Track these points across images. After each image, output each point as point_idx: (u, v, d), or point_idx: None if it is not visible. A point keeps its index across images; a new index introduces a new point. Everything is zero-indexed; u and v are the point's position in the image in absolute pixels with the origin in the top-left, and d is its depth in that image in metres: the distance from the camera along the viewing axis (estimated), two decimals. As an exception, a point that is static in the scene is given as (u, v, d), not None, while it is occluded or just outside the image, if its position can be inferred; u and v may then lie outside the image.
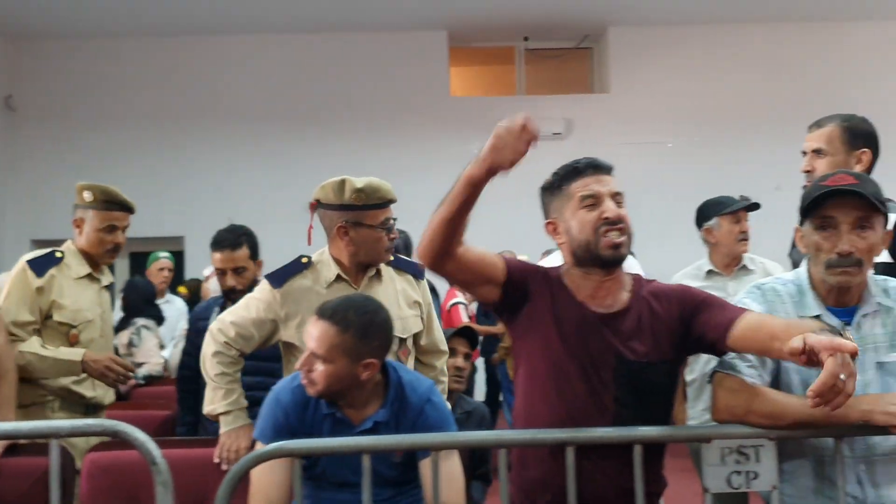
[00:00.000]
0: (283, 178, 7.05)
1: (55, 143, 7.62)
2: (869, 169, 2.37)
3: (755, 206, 3.60)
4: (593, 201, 1.82)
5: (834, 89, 7.29)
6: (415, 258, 3.69)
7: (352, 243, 2.41)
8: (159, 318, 5.28)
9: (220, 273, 3.24)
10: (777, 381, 1.82)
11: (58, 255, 2.90)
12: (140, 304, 5.23)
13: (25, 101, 7.64)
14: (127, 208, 2.98)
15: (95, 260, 2.95)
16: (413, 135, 7.57)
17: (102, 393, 2.94)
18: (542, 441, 1.72)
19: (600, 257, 1.81)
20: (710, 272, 3.59)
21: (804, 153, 2.47)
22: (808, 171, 2.44)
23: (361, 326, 1.97)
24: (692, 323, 1.79)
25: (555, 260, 3.43)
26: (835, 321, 1.80)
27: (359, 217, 2.41)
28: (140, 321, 5.15)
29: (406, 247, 4.35)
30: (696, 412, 3.33)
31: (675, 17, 7.54)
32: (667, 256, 6.15)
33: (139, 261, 7.66)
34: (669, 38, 7.69)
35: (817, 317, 1.81)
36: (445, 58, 7.73)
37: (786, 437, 1.72)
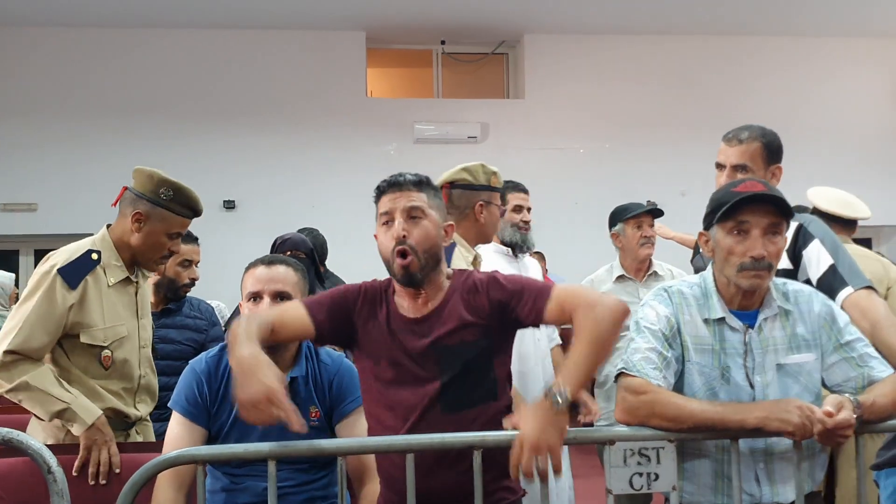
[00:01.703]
0: (197, 174, 6.84)
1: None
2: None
3: (658, 212, 3.71)
4: (387, 218, 1.90)
5: (732, 101, 7.59)
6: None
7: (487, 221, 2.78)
8: None
9: (186, 264, 3.35)
10: (681, 382, 1.88)
11: (94, 256, 2.46)
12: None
13: None
14: (197, 214, 2.66)
15: (138, 261, 2.58)
16: (329, 134, 7.51)
17: (145, 409, 2.60)
18: (452, 444, 1.72)
19: (396, 279, 1.90)
20: (620, 277, 3.69)
21: (720, 166, 2.51)
22: None
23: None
24: (509, 307, 1.87)
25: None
26: (738, 324, 1.88)
27: (493, 198, 2.81)
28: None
29: (319, 245, 4.33)
30: (608, 412, 3.41)
31: (588, 27, 7.70)
32: (578, 260, 6.30)
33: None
34: (583, 47, 7.86)
35: (721, 319, 1.89)
36: (363, 58, 7.69)
37: (685, 439, 1.79)
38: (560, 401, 1.66)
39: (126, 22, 7.19)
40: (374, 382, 1.90)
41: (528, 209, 3.51)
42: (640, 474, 1.70)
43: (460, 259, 2.60)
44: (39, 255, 7.42)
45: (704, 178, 2.62)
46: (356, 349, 1.95)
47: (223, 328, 3.57)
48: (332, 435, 2.16)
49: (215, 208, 7.18)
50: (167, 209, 2.53)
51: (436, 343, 1.86)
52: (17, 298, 5.88)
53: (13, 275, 5.20)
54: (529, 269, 3.53)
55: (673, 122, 7.80)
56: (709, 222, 1.94)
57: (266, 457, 1.65)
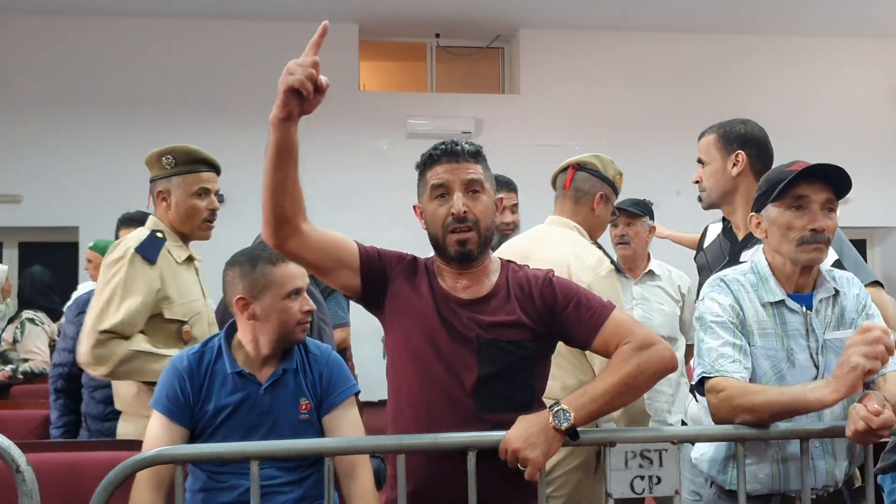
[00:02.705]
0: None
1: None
2: (757, 170, 2.41)
3: (636, 211, 3.61)
4: (443, 191, 1.77)
5: (729, 99, 7.53)
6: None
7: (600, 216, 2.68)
8: (54, 311, 5.01)
9: None
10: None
11: (159, 234, 2.54)
12: (33, 295, 4.95)
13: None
14: (214, 167, 2.68)
15: (188, 237, 2.63)
16: (321, 128, 7.39)
17: None
18: (445, 445, 1.64)
19: (447, 254, 1.78)
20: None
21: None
22: (697, 182, 2.53)
23: None
24: (557, 316, 1.78)
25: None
26: (796, 305, 1.88)
27: (611, 196, 2.70)
28: (26, 314, 4.86)
29: None
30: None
31: (585, 23, 7.63)
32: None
33: (31, 252, 7.25)
34: (580, 42, 7.78)
35: (780, 302, 1.88)
36: (356, 51, 7.59)
37: (753, 438, 1.75)
38: (562, 424, 1.60)
39: (114, 10, 7.07)
40: (406, 355, 1.80)
41: (513, 207, 3.39)
42: (642, 477, 1.63)
43: (580, 240, 2.52)
44: (24, 248, 7.36)
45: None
46: (383, 313, 1.85)
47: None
48: (321, 426, 2.11)
49: (204, 201, 7.07)
50: (177, 174, 2.57)
51: (483, 332, 1.75)
52: (10, 291, 5.77)
53: (6, 267, 5.12)
54: None
55: (669, 121, 7.73)
56: (762, 203, 1.94)
57: (249, 457, 1.56)
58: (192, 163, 2.60)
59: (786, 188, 1.86)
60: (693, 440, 1.74)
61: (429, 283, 1.81)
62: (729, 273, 1.97)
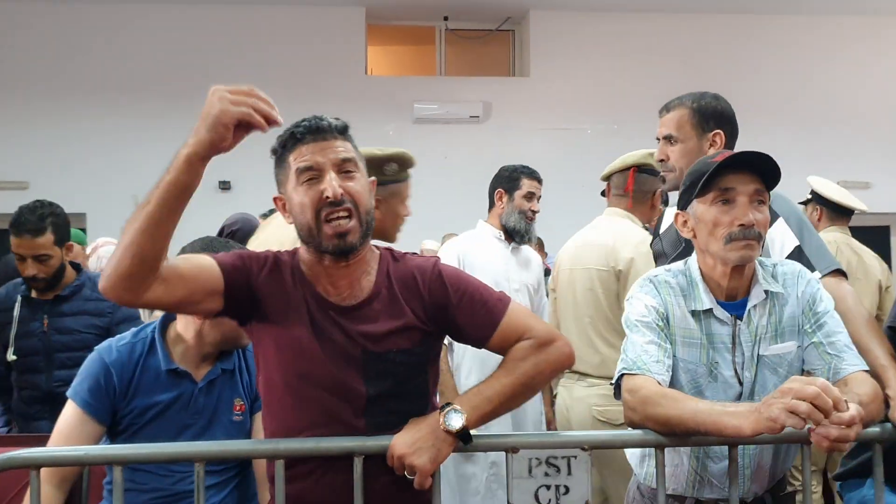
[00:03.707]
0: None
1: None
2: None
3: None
4: (312, 174, 1.53)
5: (742, 80, 7.30)
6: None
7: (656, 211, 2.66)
8: None
9: (20, 259, 2.91)
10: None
11: None
12: (5, 282, 4.93)
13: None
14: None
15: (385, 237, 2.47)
16: (328, 113, 7.32)
17: None
18: (329, 450, 1.51)
19: (323, 248, 1.54)
20: None
21: (658, 139, 2.31)
22: (661, 160, 2.30)
23: None
24: (449, 313, 1.60)
25: (455, 244, 3.32)
26: (725, 315, 1.73)
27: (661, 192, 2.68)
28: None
29: None
30: None
31: (596, 4, 7.45)
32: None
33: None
34: (590, 24, 7.60)
35: (709, 311, 1.73)
36: (363, 35, 7.49)
37: (670, 446, 1.62)
38: (453, 427, 1.47)
39: (120, -3, 7.06)
40: (279, 375, 1.57)
41: (539, 198, 3.34)
42: (548, 487, 1.51)
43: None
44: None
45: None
46: (249, 325, 1.60)
47: None
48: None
49: (210, 189, 7.05)
50: (395, 182, 2.40)
51: (370, 345, 1.55)
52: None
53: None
54: (531, 261, 3.35)
55: (682, 102, 7.53)
56: (686, 199, 1.79)
57: (111, 461, 1.46)
58: (407, 169, 2.44)
59: (710, 181, 1.70)
60: (607, 446, 1.62)
61: (299, 289, 1.58)
62: (660, 274, 1.81)
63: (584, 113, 7.61)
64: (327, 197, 1.51)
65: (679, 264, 1.84)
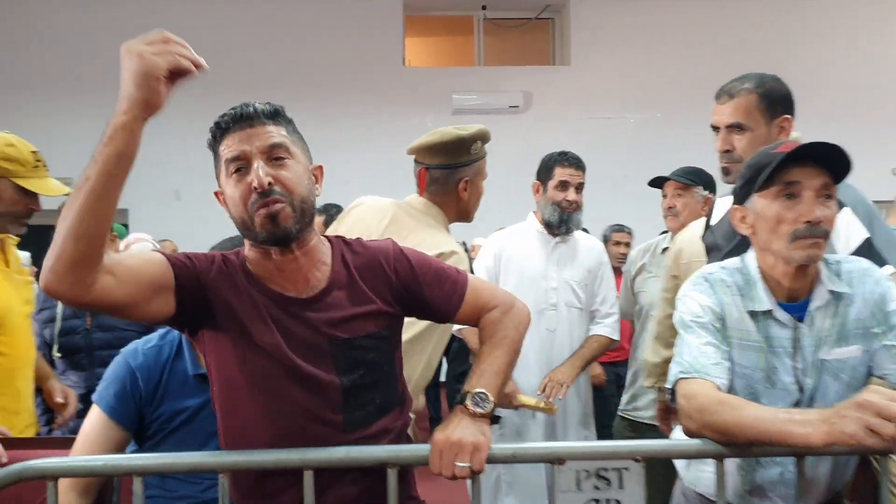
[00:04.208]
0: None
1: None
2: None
3: (683, 183, 3.29)
4: (240, 165, 1.44)
5: (792, 64, 7.03)
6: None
7: None
8: None
9: None
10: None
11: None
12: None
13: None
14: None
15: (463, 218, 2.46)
16: (365, 107, 7.27)
17: None
18: (359, 460, 1.41)
19: (260, 236, 1.44)
20: (665, 250, 3.35)
21: (715, 128, 2.13)
22: (727, 151, 2.10)
23: None
24: (415, 291, 1.55)
25: (501, 236, 3.20)
26: (786, 317, 1.60)
27: None
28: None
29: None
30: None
31: (638, -11, 7.28)
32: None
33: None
34: (632, 9, 7.42)
35: (768, 312, 1.60)
36: (400, 26, 7.41)
37: (734, 456, 1.48)
38: (484, 408, 1.41)
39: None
40: (241, 382, 1.46)
41: (579, 186, 3.15)
42: (598, 501, 1.40)
43: None
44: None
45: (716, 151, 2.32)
46: (200, 332, 1.49)
47: None
48: None
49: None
50: (480, 158, 2.39)
51: (336, 332, 1.47)
52: (37, 276, 5.86)
53: (28, 254, 5.15)
54: (583, 254, 3.20)
55: (729, 89, 7.32)
56: (745, 193, 1.64)
57: (130, 472, 1.38)
58: (485, 145, 2.41)
59: (773, 174, 1.56)
60: (662, 455, 1.49)
61: (252, 287, 1.48)
62: (714, 271, 1.68)
63: (626, 101, 7.44)
64: (255, 188, 1.41)
65: (735, 261, 1.70)
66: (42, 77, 7.21)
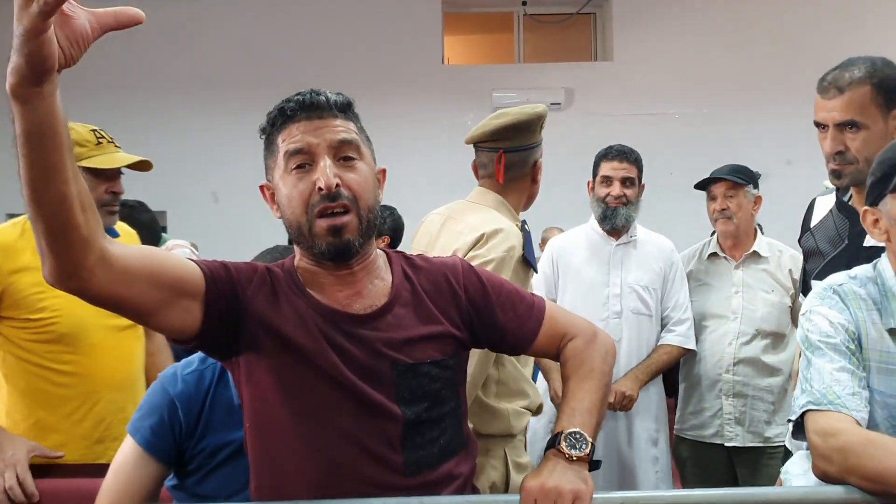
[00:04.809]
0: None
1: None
2: None
3: (734, 182, 3.10)
4: (303, 159, 1.28)
5: (841, 57, 6.83)
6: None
7: None
8: None
9: None
10: None
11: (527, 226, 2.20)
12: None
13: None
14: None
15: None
16: (404, 106, 7.15)
17: None
18: None
19: (317, 247, 1.28)
20: (712, 255, 3.18)
21: (821, 126, 1.93)
22: (839, 152, 1.88)
23: None
24: (487, 314, 1.36)
25: (567, 238, 3.04)
26: None
27: None
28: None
29: (395, 229, 3.94)
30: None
31: (683, -19, 7.10)
32: (673, 236, 5.78)
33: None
34: (676, 3, 7.24)
35: None
36: (439, 24, 7.30)
37: None
38: (581, 450, 1.24)
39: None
40: (283, 411, 1.27)
41: (626, 181, 2.98)
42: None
43: None
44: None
45: (812, 144, 2.13)
46: (235, 355, 1.31)
47: None
48: None
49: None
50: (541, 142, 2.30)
51: (400, 356, 1.28)
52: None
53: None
54: (652, 255, 3.02)
55: (776, 84, 7.08)
56: (878, 194, 1.46)
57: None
58: None
59: None
60: None
61: (299, 302, 1.30)
62: (844, 282, 1.49)
63: (671, 97, 7.26)
64: (320, 188, 1.25)
65: (865, 269, 1.51)
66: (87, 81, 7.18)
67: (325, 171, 1.25)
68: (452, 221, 2.15)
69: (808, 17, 7.19)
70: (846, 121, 1.86)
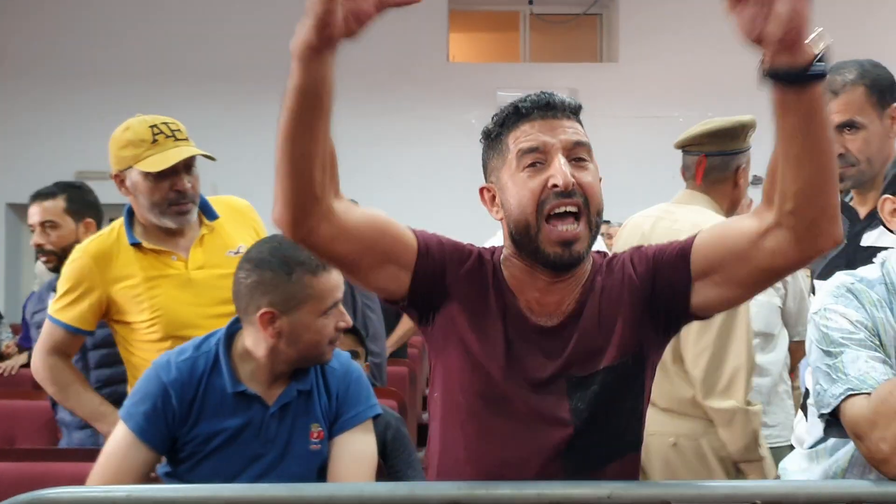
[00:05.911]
0: (271, 143, 6.66)
1: (36, 103, 7.27)
2: None
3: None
4: (537, 157, 1.25)
5: (851, 58, 6.82)
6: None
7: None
8: None
9: (32, 230, 2.84)
10: None
11: None
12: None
13: (3, 59, 7.29)
14: None
15: None
16: (409, 103, 7.16)
17: None
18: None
19: (542, 254, 1.25)
20: None
21: None
22: (840, 155, 1.85)
23: None
24: (655, 278, 1.30)
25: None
26: None
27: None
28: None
29: None
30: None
31: (690, -17, 7.09)
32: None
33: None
34: (681, 5, 7.23)
35: None
36: (445, 22, 7.30)
37: None
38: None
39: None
40: (461, 398, 1.31)
41: None
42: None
43: None
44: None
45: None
46: (431, 329, 1.34)
47: None
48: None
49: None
50: (750, 148, 2.48)
51: (574, 368, 1.28)
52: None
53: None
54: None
55: (783, 87, 7.10)
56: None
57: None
58: None
59: None
60: (789, 500, 1.25)
61: (499, 299, 1.31)
62: (855, 281, 1.44)
63: (675, 99, 7.25)
64: (555, 185, 1.23)
65: (870, 270, 1.46)
66: (87, 71, 7.19)
67: (562, 169, 1.24)
68: (666, 221, 2.24)
69: (815, 21, 7.17)
70: (845, 122, 1.88)
